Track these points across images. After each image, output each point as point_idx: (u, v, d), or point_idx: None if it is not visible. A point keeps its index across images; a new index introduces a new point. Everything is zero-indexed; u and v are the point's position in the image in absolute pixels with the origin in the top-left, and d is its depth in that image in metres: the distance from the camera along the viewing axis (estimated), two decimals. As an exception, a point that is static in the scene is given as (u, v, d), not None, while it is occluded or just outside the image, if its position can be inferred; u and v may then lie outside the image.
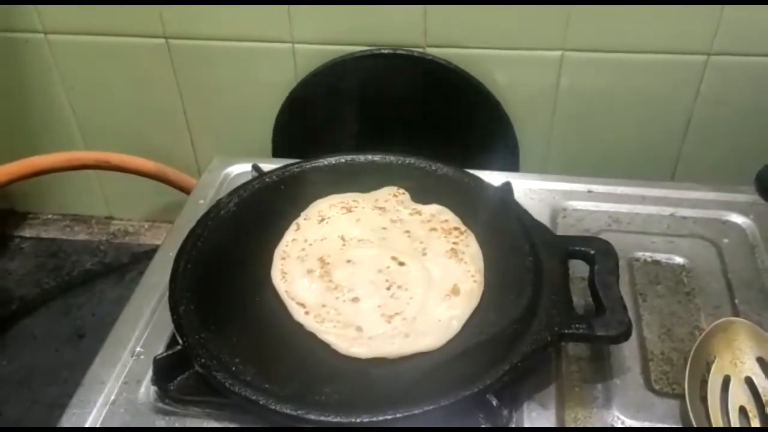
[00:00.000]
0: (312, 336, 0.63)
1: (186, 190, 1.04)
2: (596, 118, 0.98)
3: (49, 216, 1.24)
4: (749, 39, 0.88)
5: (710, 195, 0.83)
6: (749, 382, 0.61)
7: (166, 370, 0.60)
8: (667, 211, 0.82)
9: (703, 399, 0.60)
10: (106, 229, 1.21)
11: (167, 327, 0.66)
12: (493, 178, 0.82)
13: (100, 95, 1.07)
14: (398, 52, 0.95)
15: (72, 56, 1.03)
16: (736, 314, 0.69)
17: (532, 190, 0.84)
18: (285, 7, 0.93)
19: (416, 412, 0.55)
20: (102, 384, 0.63)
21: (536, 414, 0.60)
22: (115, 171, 1.04)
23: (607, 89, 0.95)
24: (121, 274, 1.12)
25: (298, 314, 0.64)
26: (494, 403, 0.56)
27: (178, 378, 0.60)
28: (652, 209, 0.82)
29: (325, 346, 0.62)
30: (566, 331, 0.61)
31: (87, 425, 0.60)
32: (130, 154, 1.04)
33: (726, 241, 0.78)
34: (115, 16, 0.98)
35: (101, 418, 0.60)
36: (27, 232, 1.21)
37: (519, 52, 0.93)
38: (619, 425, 0.60)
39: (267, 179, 0.80)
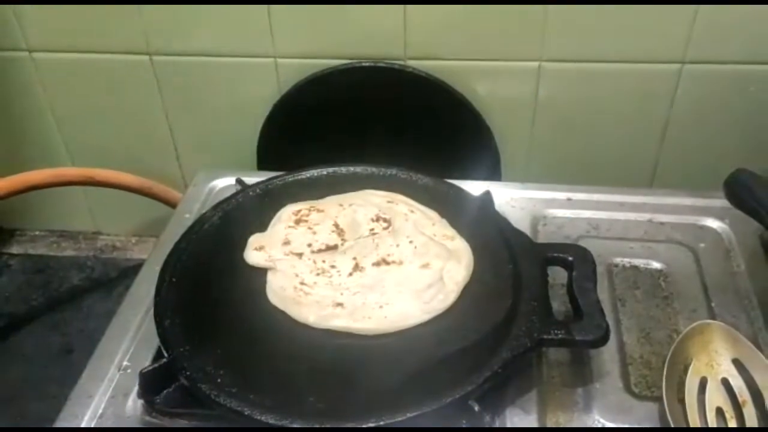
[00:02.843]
0: (297, 341, 0.64)
1: (172, 205, 1.05)
2: (575, 126, 0.99)
3: (37, 232, 1.24)
4: (721, 48, 0.90)
5: (687, 200, 0.85)
6: (725, 383, 0.63)
7: (152, 384, 0.61)
8: (644, 217, 0.83)
9: (681, 401, 0.61)
10: (93, 244, 1.22)
11: (153, 340, 0.66)
12: (475, 187, 0.83)
13: (85, 112, 1.07)
14: (379, 64, 0.96)
15: (56, 74, 1.04)
16: (713, 317, 0.70)
17: (513, 199, 0.86)
18: (267, 21, 0.94)
19: (399, 418, 0.56)
20: (89, 398, 0.64)
21: (518, 419, 0.61)
22: (101, 187, 1.05)
23: (584, 98, 0.96)
24: (109, 289, 1.12)
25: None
26: (476, 408, 0.57)
27: (165, 391, 0.61)
28: (630, 215, 0.83)
29: (313, 356, 0.62)
30: (545, 337, 0.62)
31: (75, 439, 0.60)
32: (116, 170, 1.04)
33: (702, 245, 0.79)
34: (98, 33, 0.99)
35: (89, 432, 0.61)
36: (14, 249, 1.21)
37: (497, 63, 0.95)
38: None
39: (250, 192, 0.81)
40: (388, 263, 0.70)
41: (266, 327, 0.65)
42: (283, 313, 0.66)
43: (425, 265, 0.69)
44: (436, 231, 0.73)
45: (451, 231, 0.74)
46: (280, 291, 0.68)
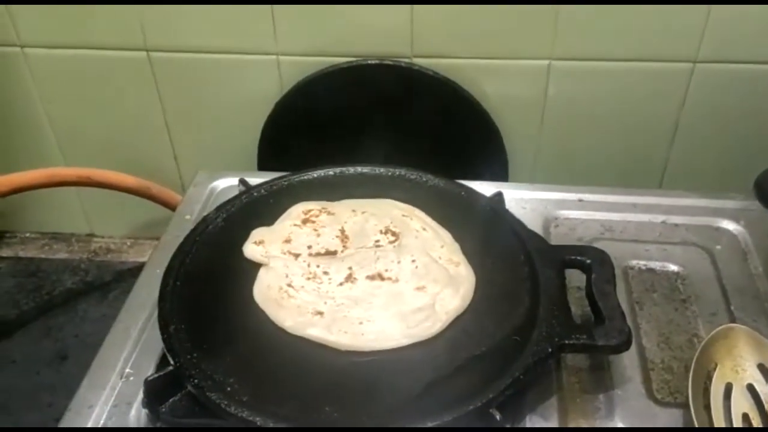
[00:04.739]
0: (310, 351, 0.61)
1: (170, 206, 1.02)
2: (584, 126, 0.98)
3: (28, 234, 1.21)
4: (734, 47, 0.89)
5: (701, 201, 0.83)
6: (751, 389, 0.61)
7: (157, 392, 0.58)
8: (658, 218, 0.81)
9: (707, 407, 0.59)
10: (87, 246, 1.19)
11: (157, 347, 0.64)
12: (483, 188, 0.80)
13: (80, 110, 1.04)
14: (384, 62, 0.94)
15: (50, 70, 1.01)
16: (733, 321, 0.69)
17: (523, 200, 0.84)
18: (269, 18, 0.92)
19: (419, 427, 0.53)
20: (90, 408, 0.61)
21: (539, 427, 0.59)
22: (97, 187, 1.02)
23: (594, 97, 0.95)
24: (104, 293, 1.10)
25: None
26: (497, 417, 0.55)
27: (170, 400, 0.58)
28: (643, 217, 0.82)
29: (324, 362, 0.60)
30: (567, 342, 0.60)
31: (75, 452, 0.58)
32: (111, 170, 1.01)
33: (718, 247, 0.78)
34: (94, 28, 0.96)
35: (91, 443, 0.58)
36: (4, 252, 1.18)
37: (506, 61, 0.93)
38: (623, 436, 0.59)
39: (255, 193, 0.78)
40: (383, 279, 0.67)
41: (278, 332, 0.62)
42: (264, 313, 0.64)
43: (420, 288, 0.65)
44: (443, 254, 0.69)
45: (458, 257, 0.70)
46: (266, 290, 0.66)
